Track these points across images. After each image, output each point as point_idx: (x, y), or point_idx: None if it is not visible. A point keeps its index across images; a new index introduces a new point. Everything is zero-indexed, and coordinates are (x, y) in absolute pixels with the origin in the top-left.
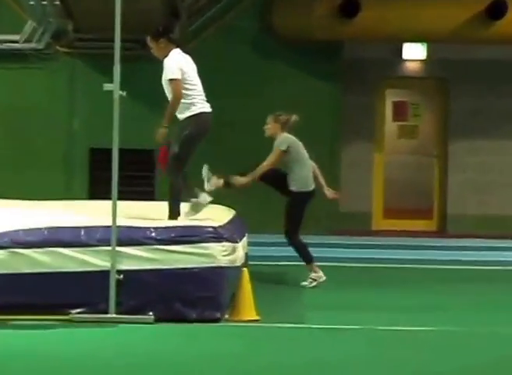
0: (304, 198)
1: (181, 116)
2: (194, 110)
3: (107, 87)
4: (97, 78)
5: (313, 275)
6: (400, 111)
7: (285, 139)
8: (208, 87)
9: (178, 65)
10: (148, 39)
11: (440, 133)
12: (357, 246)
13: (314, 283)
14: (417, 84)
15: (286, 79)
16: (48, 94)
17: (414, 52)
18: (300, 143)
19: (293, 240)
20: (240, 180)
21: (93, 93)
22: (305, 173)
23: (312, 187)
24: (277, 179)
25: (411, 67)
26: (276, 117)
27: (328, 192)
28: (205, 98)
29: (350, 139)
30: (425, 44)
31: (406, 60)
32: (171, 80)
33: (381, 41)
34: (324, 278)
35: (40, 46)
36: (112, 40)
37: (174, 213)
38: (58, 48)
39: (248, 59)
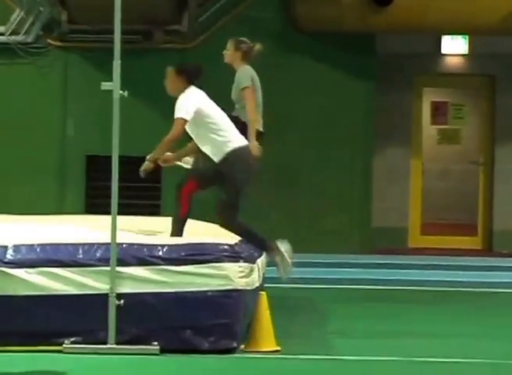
0: None
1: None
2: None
3: (105, 85)
4: (94, 76)
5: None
6: (439, 112)
7: (247, 71)
8: (221, 87)
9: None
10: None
11: (486, 137)
12: (391, 266)
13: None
14: (459, 82)
15: (309, 76)
16: (37, 94)
17: (455, 46)
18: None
19: None
20: None
21: (89, 92)
22: None
23: None
24: None
25: (452, 63)
26: (237, 44)
27: None
28: None
29: (383, 144)
30: (467, 37)
31: (446, 55)
32: None
33: (418, 32)
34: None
35: (29, 39)
36: (112, 32)
37: (265, 248)
38: (49, 41)
39: (267, 54)
